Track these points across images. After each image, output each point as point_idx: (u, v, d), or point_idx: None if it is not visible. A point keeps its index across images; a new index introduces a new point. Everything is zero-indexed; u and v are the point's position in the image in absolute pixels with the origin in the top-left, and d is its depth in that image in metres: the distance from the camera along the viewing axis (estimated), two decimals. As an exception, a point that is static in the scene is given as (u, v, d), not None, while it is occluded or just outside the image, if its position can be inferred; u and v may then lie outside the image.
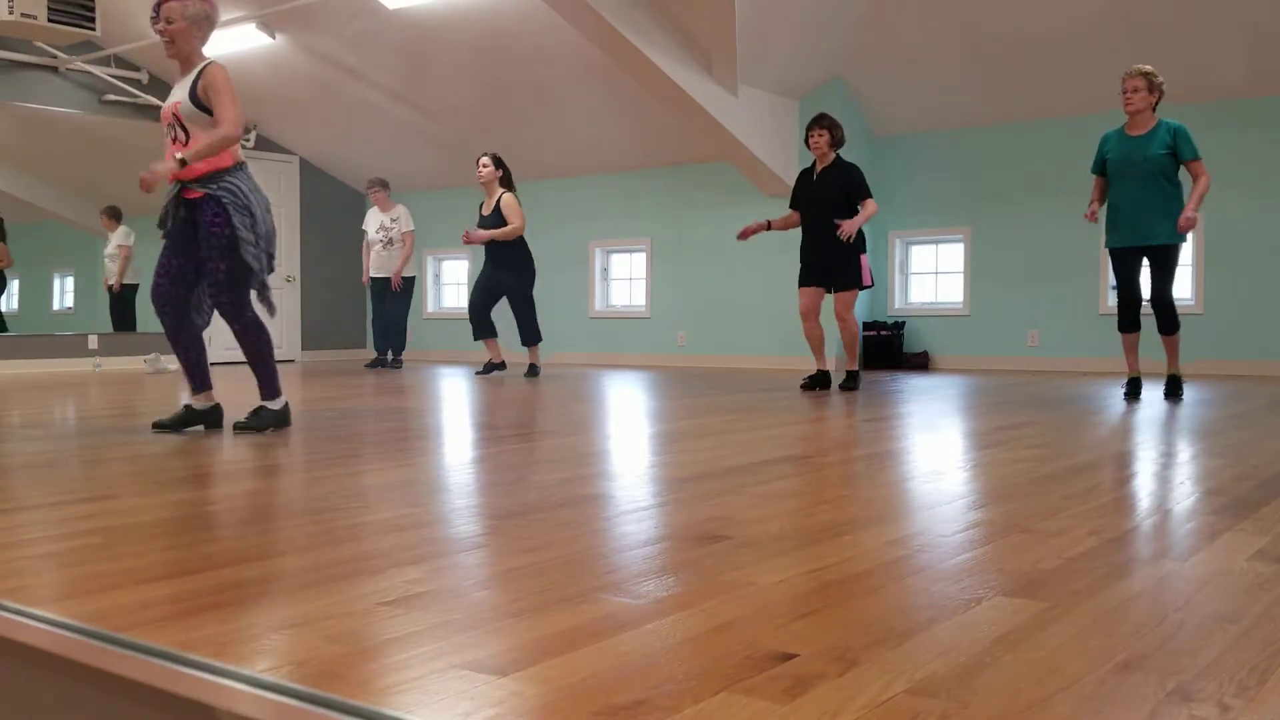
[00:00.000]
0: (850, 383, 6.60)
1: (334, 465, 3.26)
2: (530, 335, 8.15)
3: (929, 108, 8.93)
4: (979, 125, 8.97)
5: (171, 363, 10.14)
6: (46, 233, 10.13)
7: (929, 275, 9.49)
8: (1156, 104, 5.64)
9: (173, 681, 1.37)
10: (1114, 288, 5.84)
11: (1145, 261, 5.71)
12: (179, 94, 4.18)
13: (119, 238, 10.29)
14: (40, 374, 8.95)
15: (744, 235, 6.80)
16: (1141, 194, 5.60)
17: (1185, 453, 3.53)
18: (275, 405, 4.28)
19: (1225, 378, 7.54)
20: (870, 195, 6.49)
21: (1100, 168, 5.81)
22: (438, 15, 8.67)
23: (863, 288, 6.56)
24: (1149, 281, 5.71)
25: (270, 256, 4.20)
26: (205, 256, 4.09)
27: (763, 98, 8.76)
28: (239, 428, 4.21)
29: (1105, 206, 5.83)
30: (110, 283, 10.36)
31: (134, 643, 1.45)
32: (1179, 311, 5.76)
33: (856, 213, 6.46)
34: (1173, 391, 5.78)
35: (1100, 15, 7.50)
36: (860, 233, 6.45)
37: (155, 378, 8.44)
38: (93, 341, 10.10)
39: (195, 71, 4.17)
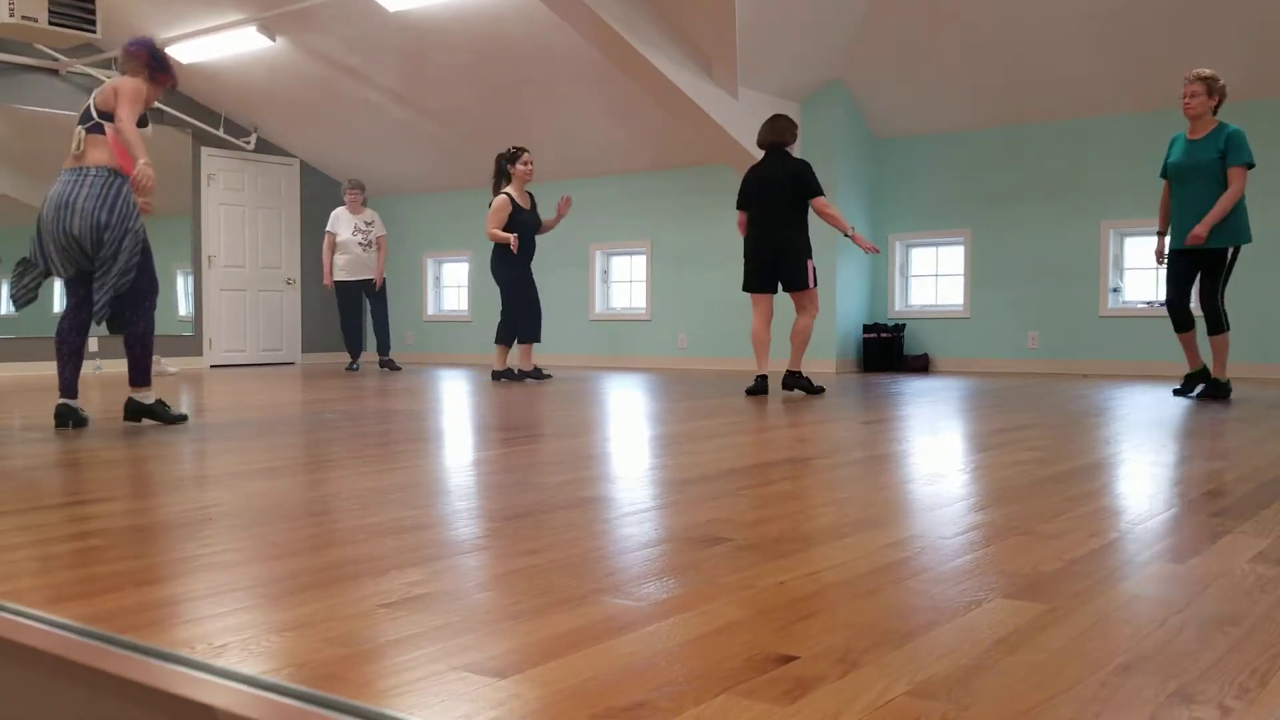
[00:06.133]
0: (798, 382, 6.32)
1: (334, 467, 3.25)
2: (504, 333, 7.98)
3: (929, 110, 8.93)
4: (979, 128, 8.97)
5: (171, 365, 10.15)
6: (47, 235, 10.12)
7: (929, 278, 9.49)
8: (1217, 107, 5.63)
9: (173, 682, 1.37)
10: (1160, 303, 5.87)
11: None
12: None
13: None
14: (41, 376, 8.94)
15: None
16: (1194, 198, 5.60)
17: (1186, 455, 3.53)
18: (68, 401, 4.49)
19: (1225, 380, 7.53)
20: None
21: (1166, 171, 5.83)
22: (438, 17, 8.68)
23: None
24: (1199, 285, 5.72)
25: (45, 255, 4.68)
26: None
27: (763, 100, 8.76)
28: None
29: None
30: None
31: (134, 644, 1.45)
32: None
33: (806, 208, 6.26)
34: (1217, 394, 5.79)
35: (1099, 18, 7.51)
36: (807, 239, 6.29)
37: (155, 380, 8.43)
38: (93, 344, 10.09)
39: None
